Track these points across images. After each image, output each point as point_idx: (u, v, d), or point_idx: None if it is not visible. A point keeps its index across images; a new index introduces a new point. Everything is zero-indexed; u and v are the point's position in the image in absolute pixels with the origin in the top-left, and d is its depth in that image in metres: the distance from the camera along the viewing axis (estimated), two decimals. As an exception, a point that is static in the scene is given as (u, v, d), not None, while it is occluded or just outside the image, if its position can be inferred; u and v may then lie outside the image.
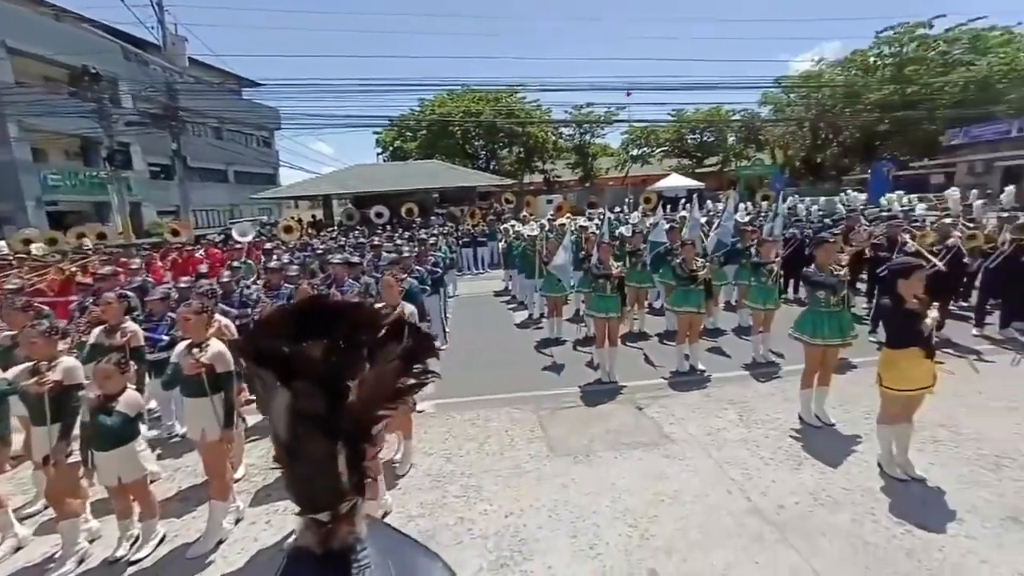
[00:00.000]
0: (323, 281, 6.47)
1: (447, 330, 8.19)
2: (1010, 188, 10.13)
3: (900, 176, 28.02)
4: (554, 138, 36.75)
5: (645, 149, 38.45)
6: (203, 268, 7.73)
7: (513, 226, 12.32)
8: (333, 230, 17.21)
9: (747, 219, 9.78)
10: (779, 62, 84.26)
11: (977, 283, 7.28)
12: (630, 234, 8.18)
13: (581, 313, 7.43)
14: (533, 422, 4.95)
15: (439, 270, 7.72)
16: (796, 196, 15.38)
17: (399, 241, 9.62)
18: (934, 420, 4.25)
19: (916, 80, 30.68)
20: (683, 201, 14.66)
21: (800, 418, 4.58)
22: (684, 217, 9.94)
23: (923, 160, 30.73)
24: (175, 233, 12.98)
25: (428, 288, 6.32)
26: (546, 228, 10.94)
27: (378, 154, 37.82)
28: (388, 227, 16.00)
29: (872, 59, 33.86)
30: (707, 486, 3.69)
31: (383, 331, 0.76)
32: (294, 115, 24.78)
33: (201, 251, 12.02)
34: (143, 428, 3.51)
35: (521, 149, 35.23)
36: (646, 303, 8.12)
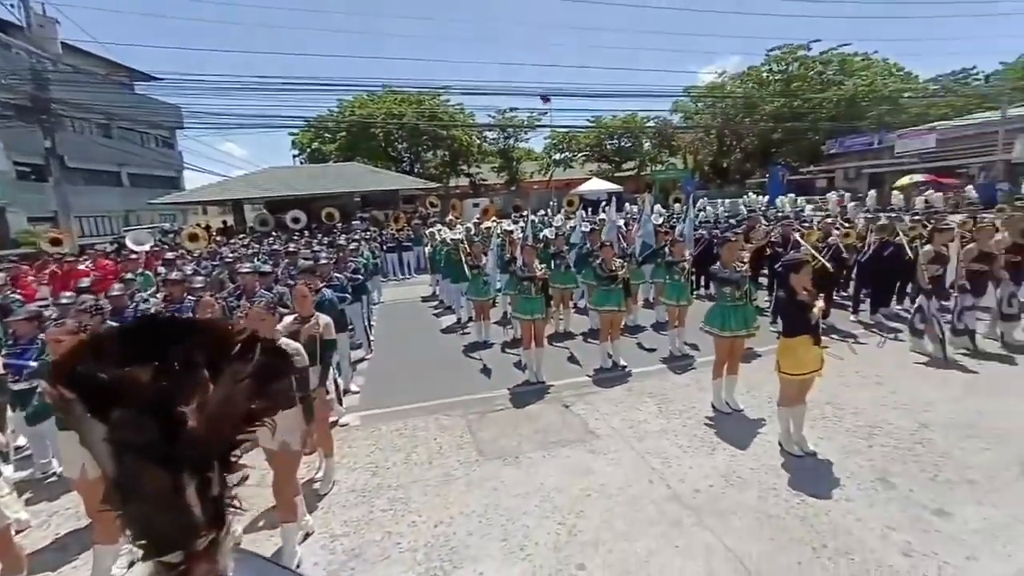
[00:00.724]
0: (232, 292, 6.03)
1: (372, 338, 7.93)
2: (872, 192, 11.59)
3: (792, 180, 31.08)
4: (479, 141, 36.91)
5: (567, 154, 39.66)
6: (85, 282, 6.88)
7: (439, 230, 12.20)
8: (244, 237, 16.11)
9: (660, 221, 10.38)
10: (689, 73, 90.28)
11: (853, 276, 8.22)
12: (553, 236, 8.37)
13: (508, 315, 7.49)
14: (462, 428, 4.91)
15: (360, 276, 7.46)
16: (705, 199, 16.58)
17: (317, 248, 9.18)
18: (821, 399, 4.73)
19: (800, 95, 34.25)
20: (603, 204, 15.27)
21: (713, 406, 4.91)
22: (603, 220, 10.35)
23: (809, 166, 34.34)
24: (55, 243, 11.52)
25: (349, 296, 6.08)
26: (471, 231, 10.95)
27: (294, 156, 35.99)
28: (306, 233, 15.23)
29: (765, 74, 37.37)
30: (630, 477, 3.85)
31: (230, 349, 0.70)
32: (199, 113, 22.65)
33: (88, 262, 10.73)
34: (5, 469, 3.05)
35: (446, 152, 35.05)
36: (571, 303, 8.35)
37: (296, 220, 17.30)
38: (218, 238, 16.39)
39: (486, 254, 7.60)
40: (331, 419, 5.01)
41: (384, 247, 15.23)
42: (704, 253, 8.47)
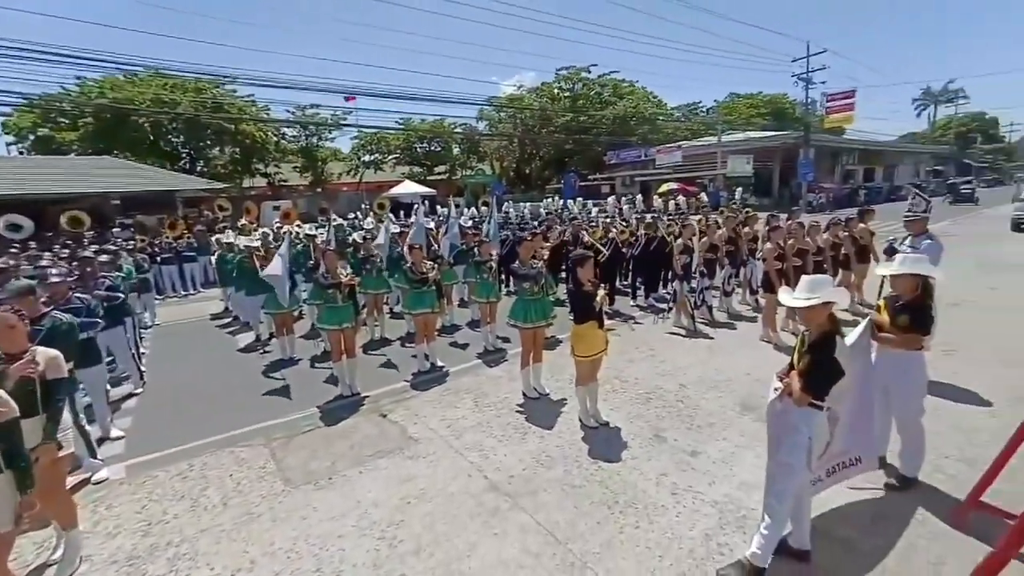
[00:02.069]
0: None
1: (142, 368, 6.52)
2: (639, 197, 13.99)
3: (583, 186, 35.48)
4: (276, 139, 33.42)
5: (377, 155, 38.55)
6: None
7: (228, 236, 10.66)
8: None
9: (470, 223, 10.79)
10: (492, 83, 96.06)
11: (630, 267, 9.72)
12: (362, 240, 8.02)
13: (315, 327, 6.91)
14: (265, 457, 4.36)
15: (121, 295, 6.04)
16: (509, 202, 17.82)
17: (45, 262, 7.18)
18: (610, 375, 5.46)
19: (584, 111, 39.31)
20: (415, 207, 15.28)
21: (523, 393, 5.27)
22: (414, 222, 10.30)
23: (596, 174, 39.68)
24: None
25: (101, 321, 4.86)
26: (270, 237, 9.84)
27: (9, 144, 27.52)
28: (32, 244, 11.78)
29: (556, 91, 41.88)
30: (449, 476, 3.88)
31: None
32: None
33: None
34: None
35: (236, 149, 30.80)
36: (385, 308, 8.11)
37: (15, 227, 13.22)
38: None
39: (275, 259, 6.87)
40: (77, 478, 3.99)
41: (157, 259, 12.70)
42: (510, 252, 9.07)
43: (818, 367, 2.60)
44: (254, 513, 3.58)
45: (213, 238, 11.53)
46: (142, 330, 8.60)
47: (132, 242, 12.15)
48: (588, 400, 4.58)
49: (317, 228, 11.38)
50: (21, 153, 26.78)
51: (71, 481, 3.77)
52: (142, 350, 7.46)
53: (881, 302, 3.59)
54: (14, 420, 2.40)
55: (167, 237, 13.34)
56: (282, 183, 34.93)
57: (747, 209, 10.53)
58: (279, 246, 7.44)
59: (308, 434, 4.75)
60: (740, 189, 16.63)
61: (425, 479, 3.87)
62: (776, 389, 2.78)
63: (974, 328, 6.56)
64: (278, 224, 12.52)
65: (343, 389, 5.59)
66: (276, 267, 5.84)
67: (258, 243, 8.23)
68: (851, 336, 3.07)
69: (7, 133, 26.80)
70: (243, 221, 14.14)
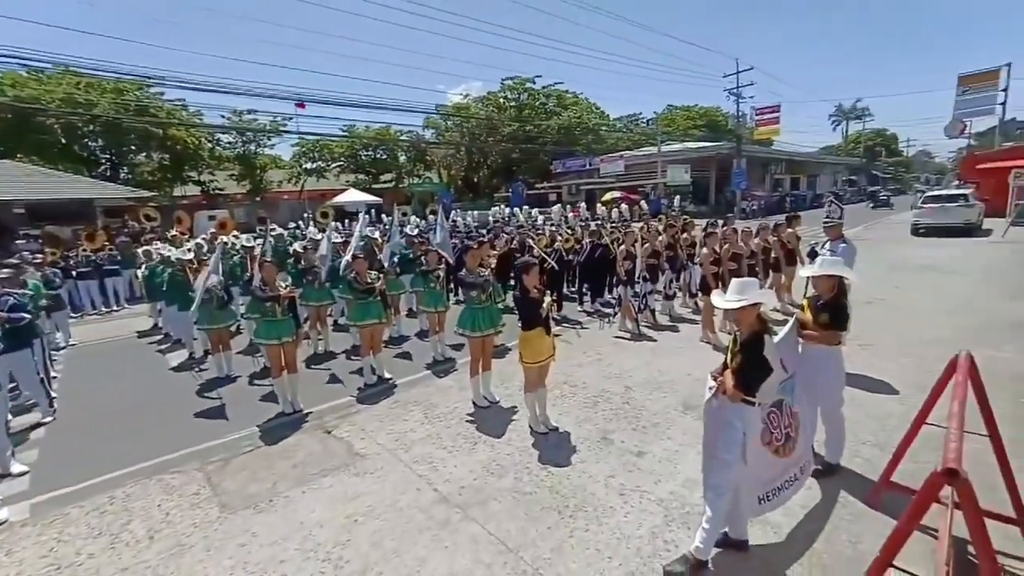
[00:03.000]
0: None
1: (53, 395, 5.95)
2: (582, 205, 14.38)
3: (531, 194, 35.94)
4: (210, 145, 31.73)
5: (320, 163, 37.41)
6: None
7: (157, 248, 9.99)
8: None
9: (416, 232, 10.66)
10: (439, 92, 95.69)
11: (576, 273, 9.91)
12: (303, 250, 7.74)
13: (253, 342, 6.58)
14: (198, 482, 4.09)
15: (27, 314, 5.50)
16: (458, 210, 17.76)
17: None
18: (559, 380, 5.54)
19: (531, 121, 39.96)
20: (361, 215, 14.94)
21: (473, 403, 5.24)
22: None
23: (543, 182, 40.30)
24: None
25: (1, 343, 4.41)
26: (203, 248, 9.33)
27: None
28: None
29: (502, 100, 42.32)
30: (398, 491, 3.79)
31: None
32: None
33: None
34: None
35: (165, 155, 28.94)
36: (329, 320, 7.85)
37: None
38: None
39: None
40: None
41: (73, 273, 11.67)
42: (458, 261, 9.02)
43: (749, 365, 2.75)
44: (186, 544, 3.34)
45: (140, 250, 10.75)
46: (53, 352, 7.88)
47: (40, 255, 11.09)
48: (537, 406, 4.62)
49: (255, 239, 10.87)
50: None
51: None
52: (53, 374, 6.83)
53: (805, 302, 3.86)
54: None
55: (85, 249, 12.29)
56: (218, 191, 33.17)
57: (685, 216, 11.03)
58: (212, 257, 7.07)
59: (247, 455, 4.50)
60: (678, 197, 17.45)
61: (372, 495, 3.76)
62: (711, 388, 2.92)
63: (884, 324, 7.17)
64: (213, 233, 11.85)
65: (284, 406, 5.35)
66: (200, 280, 5.52)
67: (191, 255, 7.77)
68: (779, 334, 3.28)
69: None
70: (174, 232, 13.30)
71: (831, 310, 3.55)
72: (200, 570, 3.09)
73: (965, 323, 7.10)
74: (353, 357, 6.98)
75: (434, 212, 15.14)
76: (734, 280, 3.00)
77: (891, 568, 1.94)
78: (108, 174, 26.96)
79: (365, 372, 6.02)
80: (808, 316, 3.66)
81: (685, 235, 9.00)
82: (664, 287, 8.30)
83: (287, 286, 5.39)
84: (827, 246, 5.78)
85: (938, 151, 77.74)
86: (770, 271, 8.18)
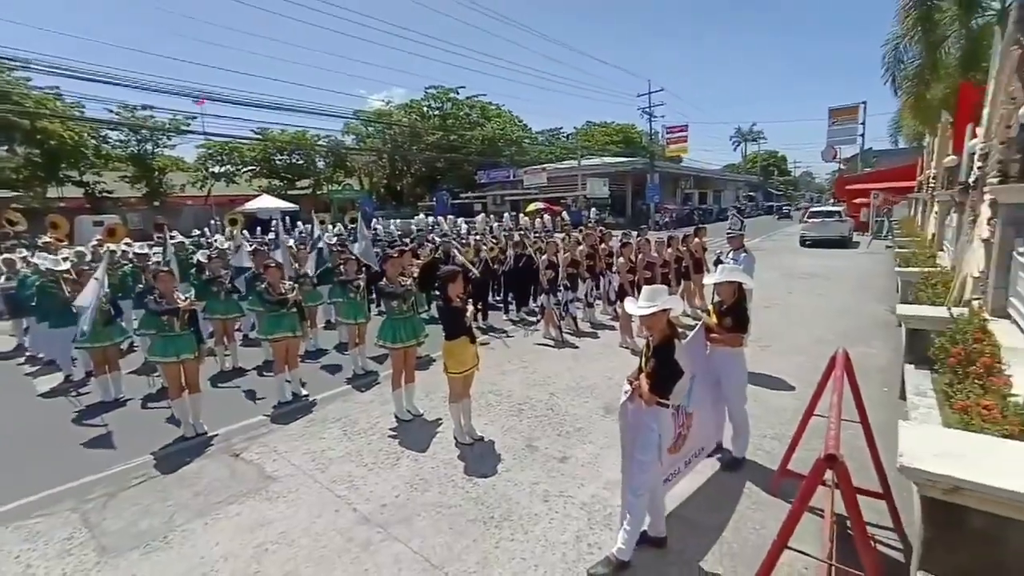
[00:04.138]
0: None
1: None
2: (506, 215, 14.60)
3: (456, 203, 35.86)
4: (95, 142, 28.46)
5: (228, 167, 34.87)
6: None
7: (24, 256, 8.75)
8: None
9: (335, 240, 10.22)
10: (359, 97, 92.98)
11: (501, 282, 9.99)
12: (207, 259, 7.13)
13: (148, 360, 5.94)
14: (72, 524, 3.58)
15: None
16: (380, 218, 17.28)
17: None
18: (484, 389, 5.52)
19: (454, 131, 40.01)
20: (273, 223, 14.10)
21: (396, 416, 5.07)
22: (273, 239, 9.48)
23: (468, 192, 40.38)
24: None
25: None
26: (87, 257, 8.32)
27: None
28: None
29: (425, 109, 42.01)
30: (313, 514, 3.56)
31: None
32: None
33: None
34: None
35: (34, 151, 25.48)
36: (238, 335, 7.27)
37: None
38: None
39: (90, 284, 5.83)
40: None
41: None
42: (380, 270, 8.76)
43: (661, 369, 2.89)
44: (56, 598, 2.90)
45: (0, 258, 9.34)
46: None
47: None
48: (462, 417, 4.56)
49: (152, 247, 9.86)
50: None
51: None
52: None
53: (711, 307, 4.16)
54: None
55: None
56: (105, 194, 29.76)
57: (603, 227, 11.53)
58: (96, 268, 6.33)
59: (137, 487, 4.02)
60: (595, 209, 18.21)
61: (285, 521, 3.50)
62: (626, 392, 3.03)
63: (780, 326, 7.91)
64: (98, 241, 10.57)
65: (186, 429, 4.85)
66: (88, 295, 4.90)
67: (66, 265, 6.87)
68: (687, 337, 3.49)
69: None
70: (46, 238, 11.69)
71: (733, 314, 3.85)
72: (75, 625, 2.69)
73: (844, 324, 8.02)
74: (266, 373, 6.51)
75: (354, 220, 14.64)
76: (645, 287, 3.15)
77: (787, 549, 2.11)
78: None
79: (279, 389, 5.63)
80: (714, 320, 3.94)
81: (604, 245, 9.39)
82: (585, 295, 8.59)
83: (187, 298, 4.92)
84: (730, 255, 6.29)
85: (818, 172, 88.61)
86: (681, 279, 8.74)
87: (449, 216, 15.26)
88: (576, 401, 5.39)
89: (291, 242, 9.35)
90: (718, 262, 6.47)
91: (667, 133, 40.83)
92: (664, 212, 35.67)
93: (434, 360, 6.60)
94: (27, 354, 7.99)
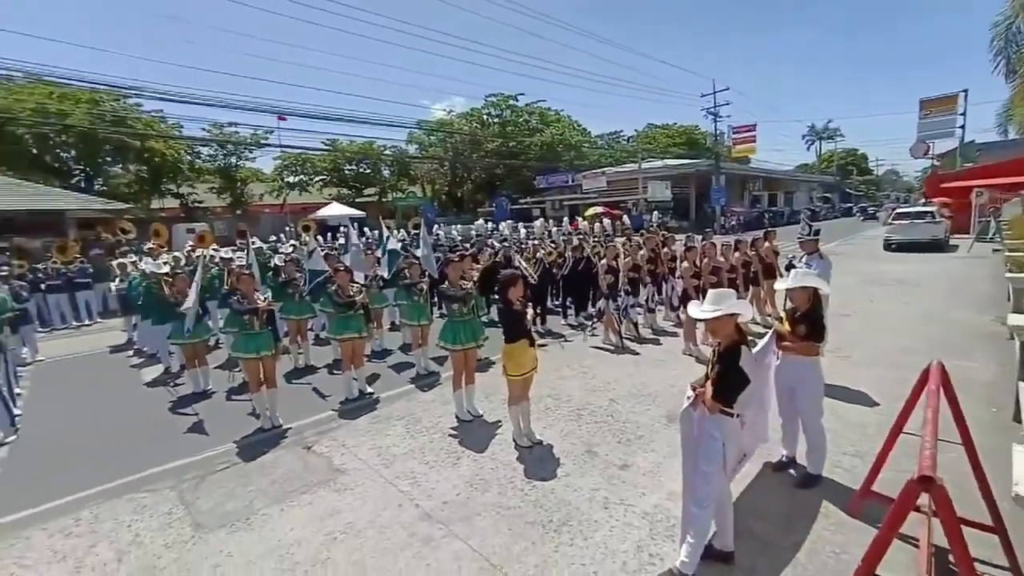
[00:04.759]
0: None
1: (16, 412, 5.72)
2: (565, 219, 14.55)
3: (515, 209, 36.16)
4: (190, 158, 31.30)
5: (302, 177, 37.15)
6: None
7: (134, 261, 9.76)
8: None
9: (400, 245, 10.59)
10: (422, 107, 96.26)
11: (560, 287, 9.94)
12: (282, 263, 7.64)
13: (231, 356, 6.44)
14: (171, 501, 3.95)
15: (-8, 329, 5.32)
16: (441, 224, 17.76)
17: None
18: (543, 393, 5.52)
19: (514, 137, 40.39)
20: (342, 229, 14.87)
21: (456, 416, 5.18)
22: (343, 245, 10.00)
23: (527, 197, 40.60)
24: None
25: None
26: (181, 261, 9.14)
27: None
28: None
29: (485, 116, 42.74)
30: (379, 507, 3.71)
31: None
32: None
33: None
34: None
35: (142, 167, 28.42)
36: (310, 334, 7.73)
37: None
38: None
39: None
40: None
41: (41, 287, 11.33)
42: (441, 274, 9.00)
43: (726, 376, 2.78)
44: (157, 566, 3.21)
45: (115, 263, 10.48)
46: (19, 367, 7.60)
47: (7, 268, 10.73)
48: (521, 419, 4.59)
49: (235, 252, 10.69)
50: None
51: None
52: (16, 390, 6.57)
53: (783, 314, 3.94)
54: None
55: (55, 262, 11.94)
56: (197, 204, 32.62)
57: (665, 231, 11.22)
58: (191, 271, 6.96)
59: (223, 472, 4.37)
60: (657, 212, 17.74)
61: (352, 512, 3.67)
62: (689, 398, 2.93)
63: (860, 335, 7.33)
64: (190, 247, 11.62)
65: (263, 422, 5.22)
66: (192, 297, 5.40)
67: (166, 268, 7.60)
68: (758, 346, 3.33)
69: None
70: (150, 244, 12.99)
71: (808, 321, 3.62)
72: (171, 594, 2.97)
73: (935, 334, 7.30)
74: (335, 371, 6.87)
75: (417, 226, 15.13)
76: (710, 291, 3.04)
77: (873, 577, 1.96)
78: (82, 185, 26.29)
79: (346, 386, 5.92)
80: (787, 328, 3.73)
81: (666, 249, 9.13)
82: (646, 300, 8.38)
83: (266, 299, 5.30)
84: (803, 260, 5.92)
85: (905, 170, 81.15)
86: (749, 284, 8.32)
87: (508, 221, 15.42)
88: (637, 408, 5.27)
89: (361, 245, 9.81)
90: (790, 267, 6.12)
91: (733, 133, 39.04)
92: (730, 215, 34.14)
93: (494, 363, 6.69)
94: (135, 347, 8.91)
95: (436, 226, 16.51)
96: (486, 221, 17.73)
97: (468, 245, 11.86)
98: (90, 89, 24.57)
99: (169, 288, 6.59)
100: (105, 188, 27.44)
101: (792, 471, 3.81)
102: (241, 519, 3.66)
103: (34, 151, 24.71)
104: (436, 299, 8.37)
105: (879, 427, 4.25)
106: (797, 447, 3.86)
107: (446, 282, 5.26)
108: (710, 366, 2.98)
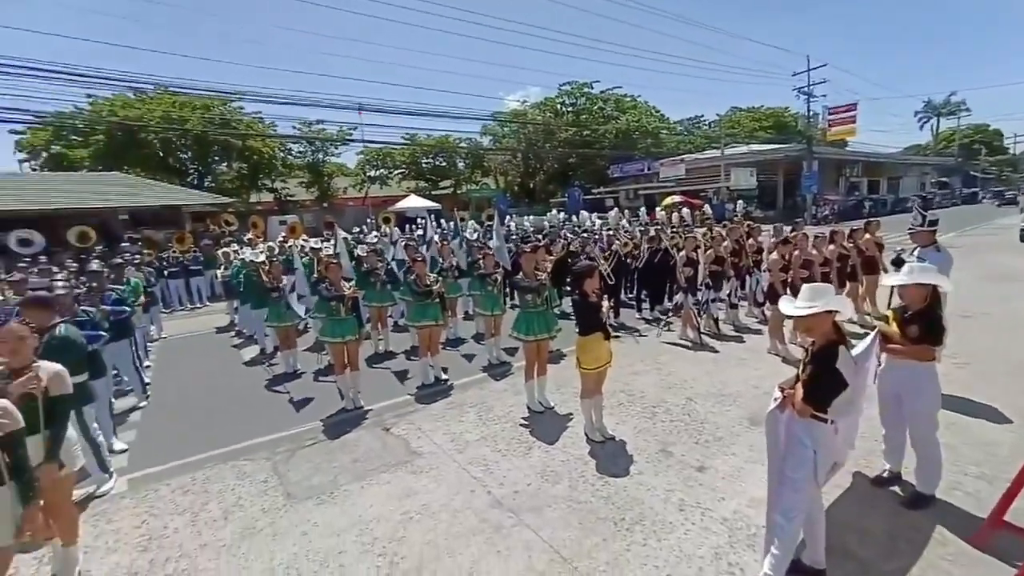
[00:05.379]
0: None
1: (146, 382, 6.51)
2: (643, 209, 14.03)
3: (587, 199, 35.56)
4: (283, 154, 33.85)
5: (383, 170, 38.89)
6: None
7: (236, 250, 10.73)
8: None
9: (475, 236, 10.81)
10: (496, 99, 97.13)
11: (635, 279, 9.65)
12: (364, 253, 8.04)
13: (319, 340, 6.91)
14: (267, 470, 4.32)
15: (127, 309, 6.07)
16: (512, 215, 17.86)
17: (53, 276, 7.24)
18: (616, 388, 5.40)
19: (588, 126, 39.63)
20: (419, 220, 15.40)
21: (528, 407, 5.21)
22: (420, 235, 10.36)
23: (600, 187, 39.79)
24: None
25: (104, 334, 4.87)
26: (275, 251, 9.90)
27: (22, 161, 28.08)
28: (42, 258, 11.91)
29: (558, 105, 42.27)
30: (452, 491, 3.82)
31: None
32: None
33: None
34: None
35: (243, 165, 31.20)
36: (389, 321, 8.09)
37: (25, 242, 13.40)
38: None
39: (286, 275, 6.93)
40: (87, 491, 3.98)
41: (165, 273, 12.79)
42: (514, 265, 9.06)
43: (820, 378, 2.54)
44: (255, 528, 3.53)
45: (219, 252, 11.60)
46: (148, 343, 8.64)
47: (139, 256, 12.24)
48: (593, 413, 4.52)
49: (322, 242, 11.43)
50: (34, 170, 27.27)
51: (78, 495, 3.74)
52: (147, 363, 7.47)
53: (890, 313, 3.54)
54: (19, 431, 2.39)
55: (175, 251, 13.44)
56: (288, 198, 35.25)
57: (750, 222, 10.50)
58: (284, 260, 7.51)
59: (311, 448, 4.71)
60: (741, 202, 16.61)
61: (427, 494, 3.81)
62: (776, 399, 2.72)
63: (987, 341, 6.45)
64: (283, 238, 12.58)
65: (346, 402, 5.56)
66: (302, 284, 5.83)
67: (263, 257, 8.28)
68: (858, 347, 3.02)
69: (21, 151, 27.38)
70: (249, 235, 14.25)
71: (923, 322, 3.23)
72: (267, 553, 3.24)
73: (1084, 342, 6.26)
74: (412, 357, 7.16)
75: (491, 217, 15.32)
76: (805, 286, 2.79)
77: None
78: (195, 183, 29.37)
79: (422, 372, 6.15)
80: (894, 328, 3.35)
81: (751, 241, 8.56)
82: (728, 295, 7.92)
83: (351, 287, 5.61)
84: (916, 253, 5.28)
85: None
86: (846, 280, 7.59)
87: (582, 212, 15.17)
88: (716, 408, 5.01)
89: (436, 237, 10.13)
90: (899, 261, 5.49)
91: (829, 114, 35.57)
92: (824, 204, 31.32)
93: (565, 355, 6.64)
94: (236, 329, 9.83)
95: (507, 217, 16.63)
96: (559, 211, 17.56)
97: (540, 236, 11.82)
98: (203, 96, 27.34)
99: (265, 275, 7.18)
100: (213, 184, 30.43)
101: (897, 488, 3.44)
102: (326, 493, 3.92)
103: (160, 154, 27.91)
104: (509, 289, 8.45)
105: (1013, 449, 3.73)
106: (903, 461, 3.48)
107: (520, 273, 5.27)
108: (801, 367, 2.75)
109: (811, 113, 33.71)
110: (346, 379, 5.51)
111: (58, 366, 2.95)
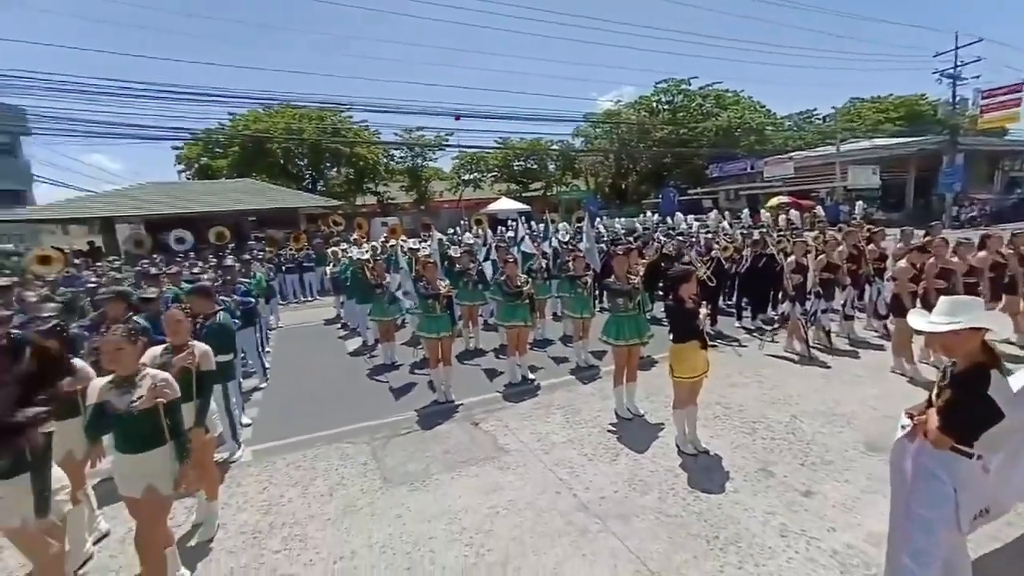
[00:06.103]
0: (96, 320, 5.24)
1: (267, 366, 7.32)
2: (745, 211, 13.10)
3: (683, 200, 33.99)
4: (385, 160, 36.22)
5: (476, 174, 40.14)
6: None
7: (344, 249, 11.69)
8: (116, 260, 14.28)
9: (567, 238, 10.80)
10: (589, 100, 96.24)
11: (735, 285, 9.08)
12: (457, 254, 8.38)
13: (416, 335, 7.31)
14: (366, 454, 4.66)
15: (253, 299, 6.88)
16: (603, 217, 17.57)
17: (196, 270, 8.38)
18: (711, 399, 5.12)
19: (685, 124, 37.88)
20: (509, 222, 15.68)
21: (616, 413, 5.11)
22: (511, 237, 10.57)
23: (696, 188, 37.85)
24: None
25: (239, 321, 5.56)
26: (377, 250, 10.63)
27: (179, 172, 32.91)
28: (192, 254, 13.85)
29: (654, 104, 40.85)
30: (538, 490, 3.86)
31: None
32: (53, 118, 19.56)
33: None
34: None
35: (351, 170, 33.91)
36: (480, 319, 8.35)
37: (180, 240, 15.67)
38: (76, 260, 14.25)
39: (389, 273, 7.42)
40: (221, 457, 4.56)
41: (283, 268, 14.28)
42: (604, 268, 8.92)
43: (963, 405, 2.21)
44: (355, 506, 3.83)
45: (329, 250, 12.72)
46: (268, 331, 9.70)
47: (263, 253, 13.76)
48: (686, 425, 4.33)
49: (420, 242, 12.08)
50: (188, 179, 31.87)
51: (216, 458, 4.32)
52: (267, 349, 8.38)
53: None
54: (178, 399, 2.84)
55: (291, 249, 14.97)
56: (389, 201, 37.66)
57: (870, 225, 9.41)
58: (386, 258, 8.03)
59: (406, 436, 5.00)
60: (861, 202, 14.87)
61: (514, 491, 3.88)
62: (903, 427, 2.41)
63: None
64: (384, 238, 13.49)
65: (439, 395, 5.83)
66: (407, 282, 6.25)
67: (367, 255, 8.93)
68: (1020, 375, 2.58)
69: (179, 163, 32.20)
70: (355, 235, 15.46)
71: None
72: (366, 531, 3.51)
73: None
74: (501, 356, 7.33)
75: (580, 219, 15.21)
76: (944, 298, 2.43)
77: None
78: (309, 187, 32.42)
79: (510, 371, 6.28)
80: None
81: (871, 246, 7.68)
82: (843, 305, 7.17)
83: (446, 286, 5.87)
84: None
85: None
86: (1003, 293, 6.52)
87: (677, 214, 14.54)
88: (827, 429, 4.57)
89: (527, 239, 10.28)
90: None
91: (983, 98, 30.51)
92: (969, 204, 27.13)
93: (656, 361, 6.43)
94: (342, 322, 10.71)
95: (597, 219, 16.40)
96: (652, 213, 16.98)
97: (632, 239, 11.53)
98: (318, 108, 30.18)
99: (369, 272, 7.74)
100: (324, 188, 33.37)
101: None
102: (419, 480, 4.14)
103: (281, 161, 31.24)
104: (599, 292, 8.34)
105: None
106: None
107: (612, 276, 5.20)
108: (936, 390, 2.42)
109: (957, 98, 29.30)
110: (439, 373, 5.78)
111: (205, 346, 3.45)
